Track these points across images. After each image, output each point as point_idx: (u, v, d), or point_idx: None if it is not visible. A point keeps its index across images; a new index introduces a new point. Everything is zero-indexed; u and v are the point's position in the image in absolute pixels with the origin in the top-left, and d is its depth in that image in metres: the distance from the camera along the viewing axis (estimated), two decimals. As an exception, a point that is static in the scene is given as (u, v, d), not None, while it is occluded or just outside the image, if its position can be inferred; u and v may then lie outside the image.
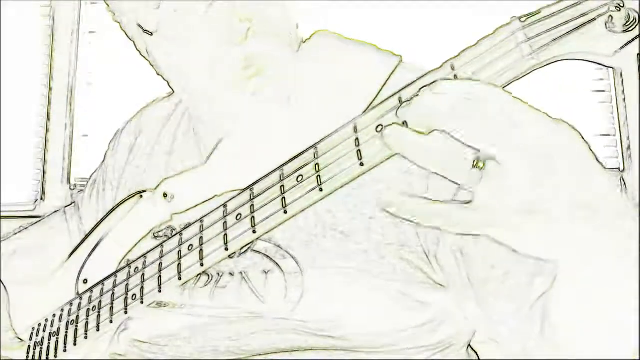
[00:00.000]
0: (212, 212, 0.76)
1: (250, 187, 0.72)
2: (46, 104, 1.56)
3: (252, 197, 0.72)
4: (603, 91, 1.45)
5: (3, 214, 1.27)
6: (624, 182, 1.43)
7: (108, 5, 0.89)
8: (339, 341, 0.77)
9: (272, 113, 0.85)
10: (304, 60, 0.88)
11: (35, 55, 1.56)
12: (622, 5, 0.61)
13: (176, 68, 0.87)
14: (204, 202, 0.80)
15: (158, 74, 0.90)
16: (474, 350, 0.80)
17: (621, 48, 0.61)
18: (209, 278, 0.78)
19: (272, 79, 0.85)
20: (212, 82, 0.85)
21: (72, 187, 1.56)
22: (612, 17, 0.61)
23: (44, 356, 0.88)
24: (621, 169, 1.43)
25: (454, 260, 0.76)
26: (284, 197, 0.68)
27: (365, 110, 0.79)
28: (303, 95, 0.85)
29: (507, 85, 0.65)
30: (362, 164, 0.67)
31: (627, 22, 0.60)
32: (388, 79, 0.82)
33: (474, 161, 0.60)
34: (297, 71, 0.87)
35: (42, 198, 1.54)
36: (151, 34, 0.85)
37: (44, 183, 1.54)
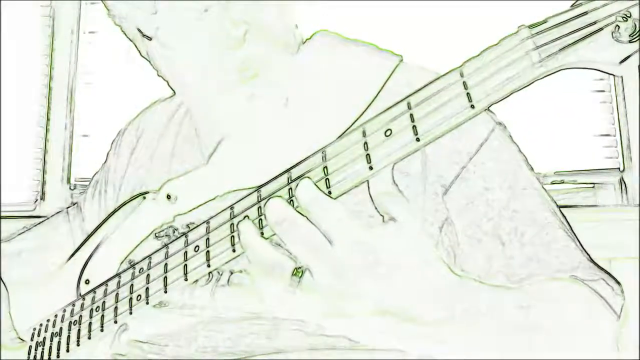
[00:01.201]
0: (218, 213, 0.76)
1: (258, 189, 0.72)
2: (46, 104, 1.56)
3: (259, 200, 0.72)
4: (603, 91, 1.46)
5: (3, 214, 1.28)
6: (624, 182, 1.44)
7: (108, 10, 0.89)
8: (338, 340, 0.77)
9: (271, 114, 0.85)
10: (304, 61, 0.88)
11: (35, 55, 1.57)
12: (628, 15, 0.61)
13: (175, 72, 0.87)
14: (205, 203, 0.80)
15: (159, 75, 0.90)
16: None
17: (627, 58, 0.61)
18: (209, 277, 0.78)
19: (269, 81, 0.85)
20: (211, 85, 0.85)
21: (72, 187, 1.56)
22: (618, 27, 0.61)
23: (45, 356, 0.88)
24: (621, 169, 1.43)
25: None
26: (292, 200, 0.68)
27: (365, 110, 0.80)
28: (302, 95, 0.85)
29: (512, 94, 0.65)
30: (371, 168, 0.67)
31: (633, 32, 0.60)
32: (388, 78, 0.82)
33: (293, 270, 0.66)
34: (297, 71, 0.87)
35: (42, 198, 1.54)
36: (150, 38, 0.85)
37: (44, 183, 1.54)
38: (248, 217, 0.71)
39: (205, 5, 0.82)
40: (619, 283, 0.77)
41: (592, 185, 1.44)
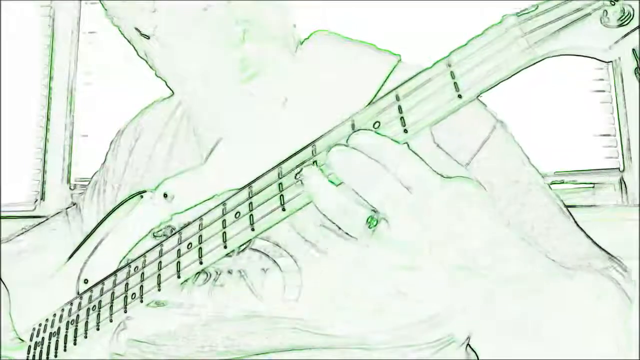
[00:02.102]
0: (210, 210, 0.76)
1: (249, 184, 0.72)
2: (46, 104, 1.56)
3: (250, 195, 0.71)
4: (603, 91, 1.46)
5: (3, 214, 1.28)
6: (624, 182, 1.43)
7: (106, 10, 0.89)
8: (336, 339, 0.77)
9: (270, 114, 0.85)
10: (303, 61, 0.88)
11: (35, 55, 1.57)
12: (616, -1, 0.60)
13: (174, 71, 0.87)
14: (203, 202, 0.80)
15: (157, 76, 0.90)
16: (473, 350, 0.80)
17: (616, 42, 0.61)
18: (207, 276, 0.78)
19: (268, 80, 0.85)
20: (210, 84, 0.85)
21: (72, 187, 1.56)
22: (606, 12, 0.61)
23: (44, 356, 0.88)
24: (621, 169, 1.43)
25: None
26: (282, 195, 0.68)
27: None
28: (301, 95, 0.85)
29: (504, 80, 0.64)
30: None
31: (621, 16, 0.60)
32: (387, 78, 0.82)
33: (367, 219, 0.61)
34: (295, 72, 0.87)
35: (42, 198, 1.54)
36: (148, 37, 0.85)
37: (44, 183, 1.55)
38: (239, 214, 0.71)
39: (205, 4, 0.82)
40: (626, 270, 0.77)
41: (592, 185, 1.43)
